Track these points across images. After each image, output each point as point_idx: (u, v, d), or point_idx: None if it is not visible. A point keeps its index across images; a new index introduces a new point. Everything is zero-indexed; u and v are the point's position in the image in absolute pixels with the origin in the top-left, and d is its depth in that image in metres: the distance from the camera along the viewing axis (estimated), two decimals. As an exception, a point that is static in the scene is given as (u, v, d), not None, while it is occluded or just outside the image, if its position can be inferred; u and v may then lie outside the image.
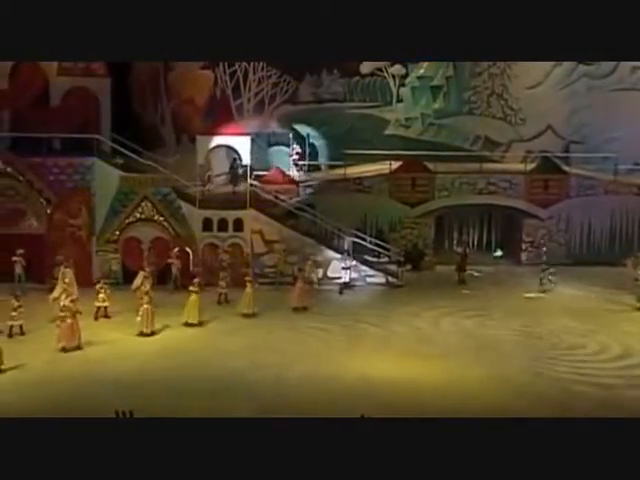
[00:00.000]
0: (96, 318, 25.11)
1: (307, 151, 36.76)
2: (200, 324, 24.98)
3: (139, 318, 23.85)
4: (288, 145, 36.63)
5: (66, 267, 25.99)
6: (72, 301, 22.93)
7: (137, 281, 25.80)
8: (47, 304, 24.86)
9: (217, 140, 31.01)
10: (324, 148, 37.54)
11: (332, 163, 36.41)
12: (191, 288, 25.17)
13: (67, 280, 25.07)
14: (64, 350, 22.14)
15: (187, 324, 24.87)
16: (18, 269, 27.66)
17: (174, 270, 28.93)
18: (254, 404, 18.34)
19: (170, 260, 29.05)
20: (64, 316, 22.49)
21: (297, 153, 35.68)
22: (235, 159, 33.12)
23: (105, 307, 25.50)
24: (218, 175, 34.55)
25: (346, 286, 29.82)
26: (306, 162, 36.25)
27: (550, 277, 29.94)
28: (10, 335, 22.92)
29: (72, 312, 22.53)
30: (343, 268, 30.03)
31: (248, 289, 26.45)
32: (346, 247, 31.19)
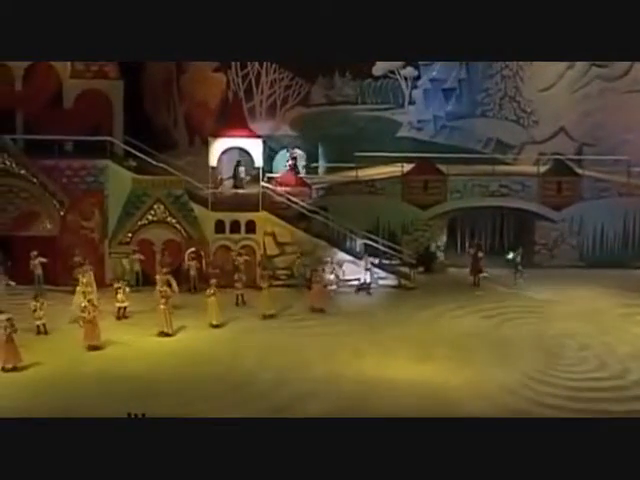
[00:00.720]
0: (118, 318, 25.37)
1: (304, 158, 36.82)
2: (217, 326, 25.02)
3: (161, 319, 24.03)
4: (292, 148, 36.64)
5: (85, 269, 26.23)
6: (89, 301, 23.16)
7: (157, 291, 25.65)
8: (62, 305, 25.03)
9: (229, 142, 31.01)
10: (324, 151, 37.49)
11: (333, 165, 36.28)
12: (210, 290, 25.23)
13: (85, 281, 25.24)
14: (92, 348, 22.51)
15: (212, 325, 24.95)
16: (38, 271, 27.90)
17: (192, 271, 28.95)
18: (271, 404, 18.51)
19: (187, 262, 29.06)
20: (85, 316, 22.84)
21: (293, 157, 35.62)
22: (239, 161, 33.11)
23: (124, 307, 25.60)
24: (229, 178, 34.54)
25: (363, 287, 29.78)
26: (302, 167, 36.22)
27: (521, 275, 30.90)
28: (39, 332, 23.53)
29: (92, 312, 22.80)
30: (366, 269, 29.94)
31: (265, 290, 26.52)
32: (358, 249, 31.15)
